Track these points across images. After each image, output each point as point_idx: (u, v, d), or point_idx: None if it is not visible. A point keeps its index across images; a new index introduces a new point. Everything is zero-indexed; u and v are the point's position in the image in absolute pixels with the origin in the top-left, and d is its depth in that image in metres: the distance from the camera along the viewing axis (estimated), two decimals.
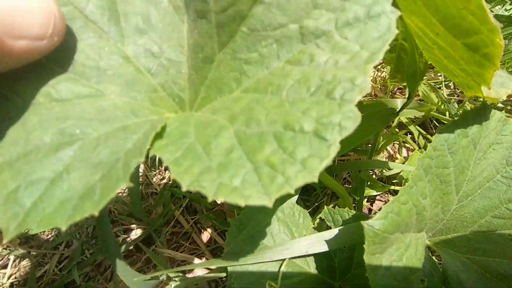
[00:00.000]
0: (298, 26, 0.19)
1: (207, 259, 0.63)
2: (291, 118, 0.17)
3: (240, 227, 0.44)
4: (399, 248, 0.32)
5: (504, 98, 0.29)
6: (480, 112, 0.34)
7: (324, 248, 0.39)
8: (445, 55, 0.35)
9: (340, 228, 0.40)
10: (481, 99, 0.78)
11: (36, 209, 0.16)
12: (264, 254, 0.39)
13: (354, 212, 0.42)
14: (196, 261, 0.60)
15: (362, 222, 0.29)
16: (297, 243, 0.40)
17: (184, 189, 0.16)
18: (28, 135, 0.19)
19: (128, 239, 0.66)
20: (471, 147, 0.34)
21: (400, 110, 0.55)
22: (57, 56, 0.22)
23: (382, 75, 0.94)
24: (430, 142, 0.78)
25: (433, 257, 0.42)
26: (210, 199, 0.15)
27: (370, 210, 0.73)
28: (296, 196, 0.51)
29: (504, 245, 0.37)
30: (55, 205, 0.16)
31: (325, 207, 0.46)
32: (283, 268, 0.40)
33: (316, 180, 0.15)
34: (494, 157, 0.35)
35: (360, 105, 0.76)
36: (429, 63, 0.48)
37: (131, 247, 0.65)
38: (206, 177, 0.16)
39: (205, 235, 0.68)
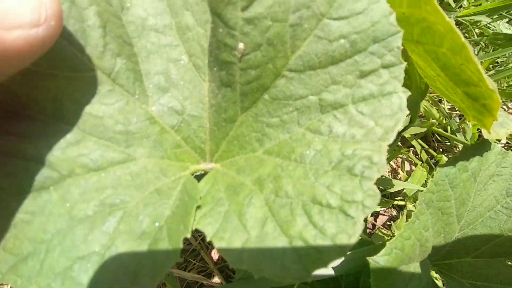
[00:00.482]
0: (317, 98, 0.21)
1: (216, 277, 0.65)
2: (318, 192, 0.19)
3: None
4: (404, 279, 0.34)
5: (504, 138, 0.31)
6: (479, 147, 0.35)
7: (331, 272, 0.40)
8: (446, 90, 0.37)
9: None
10: None
11: (93, 285, 0.17)
12: (272, 280, 0.41)
13: (359, 237, 0.43)
14: (205, 281, 0.62)
15: (368, 258, 0.30)
16: None
17: (230, 265, 0.17)
18: (71, 210, 0.20)
19: None
20: (471, 180, 0.35)
21: (402, 131, 0.56)
22: (89, 123, 0.23)
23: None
24: (432, 156, 0.79)
25: (437, 281, 0.43)
26: (256, 277, 0.16)
27: (374, 225, 0.74)
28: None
29: (505, 271, 0.38)
30: (110, 280, 0.17)
31: None
32: None
33: (343, 258, 0.16)
34: (494, 188, 0.37)
35: None
36: None
37: None
38: (248, 253, 0.17)
39: (214, 253, 0.70)
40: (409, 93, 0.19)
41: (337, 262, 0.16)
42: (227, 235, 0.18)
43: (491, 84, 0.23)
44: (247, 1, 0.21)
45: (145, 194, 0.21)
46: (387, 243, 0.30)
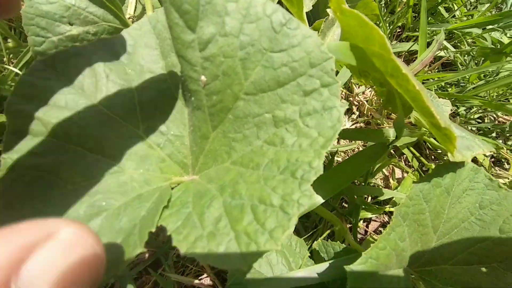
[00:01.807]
0: (271, 115, 0.25)
1: (212, 281, 0.68)
2: (264, 194, 0.22)
3: None
4: (382, 285, 0.37)
5: (469, 160, 0.34)
6: (452, 166, 0.39)
7: (317, 280, 0.44)
8: (423, 120, 0.40)
9: (330, 262, 0.45)
10: None
11: None
12: (264, 286, 0.44)
13: (343, 246, 0.47)
14: (202, 285, 0.66)
15: (345, 266, 0.34)
16: (293, 274, 0.45)
17: (182, 254, 0.21)
18: (67, 209, 0.25)
19: (138, 261, 0.72)
20: (444, 195, 0.38)
21: (390, 144, 0.59)
22: (91, 143, 0.27)
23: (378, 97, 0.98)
24: (423, 164, 0.82)
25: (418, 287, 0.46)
26: (201, 263, 0.20)
27: (366, 231, 0.77)
28: (293, 228, 0.56)
29: (479, 278, 0.41)
30: None
31: (320, 240, 0.50)
32: None
33: (279, 248, 0.19)
34: (468, 201, 0.40)
35: (353, 131, 0.80)
36: None
37: (141, 270, 0.70)
38: (199, 244, 0.21)
39: None
40: (346, 106, 0.23)
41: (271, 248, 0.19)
42: (185, 231, 0.21)
43: (443, 123, 0.27)
44: (203, 44, 0.25)
45: (128, 199, 0.25)
46: (363, 253, 0.34)
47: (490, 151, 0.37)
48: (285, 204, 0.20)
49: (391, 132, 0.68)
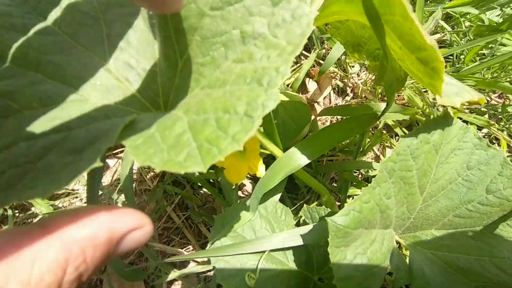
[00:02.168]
0: (239, 31, 0.23)
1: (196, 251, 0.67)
2: (229, 104, 0.21)
3: (224, 223, 0.48)
4: (364, 243, 0.36)
5: (459, 105, 0.32)
6: (441, 121, 0.37)
7: (300, 242, 0.43)
8: (411, 64, 0.39)
9: (314, 224, 0.43)
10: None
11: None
12: (243, 247, 0.43)
13: (329, 210, 0.45)
14: (186, 255, 0.64)
15: (326, 218, 0.32)
16: (275, 237, 0.43)
17: (138, 165, 0.19)
18: (23, 134, 0.23)
19: None
20: (433, 152, 0.37)
21: (380, 115, 0.58)
22: (51, 69, 0.25)
23: (372, 78, 0.97)
24: None
25: (402, 253, 0.45)
26: (157, 170, 0.18)
27: None
28: (279, 194, 0.55)
29: (464, 242, 0.41)
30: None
31: (305, 205, 0.49)
32: (262, 261, 0.43)
33: (241, 148, 0.18)
34: (455, 162, 0.38)
35: (347, 107, 0.78)
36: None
37: None
38: (158, 155, 0.19)
39: (196, 231, 0.72)
40: (317, 13, 0.21)
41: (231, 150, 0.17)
42: (145, 147, 0.20)
43: (429, 41, 0.25)
44: None
45: (89, 126, 0.23)
46: (345, 204, 0.32)
47: (479, 98, 0.35)
48: (250, 109, 0.19)
49: (381, 106, 0.67)
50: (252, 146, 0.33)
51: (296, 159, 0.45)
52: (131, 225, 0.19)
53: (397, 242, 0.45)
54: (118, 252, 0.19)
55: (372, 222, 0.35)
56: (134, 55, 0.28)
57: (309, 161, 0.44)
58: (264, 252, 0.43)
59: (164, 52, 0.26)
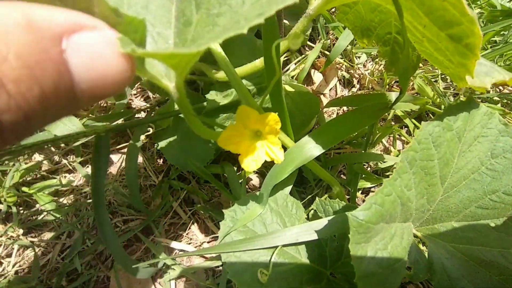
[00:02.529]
0: None
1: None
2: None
3: (234, 217, 0.46)
4: (384, 238, 0.34)
5: (489, 87, 0.30)
6: (465, 106, 0.35)
7: (314, 236, 0.41)
8: (434, 47, 0.36)
9: (329, 218, 0.41)
10: (477, 92, 0.77)
11: None
12: (255, 242, 0.41)
13: (344, 203, 0.43)
14: (193, 250, 0.63)
15: (347, 212, 0.30)
16: (287, 231, 0.41)
17: None
18: None
19: (128, 229, 0.69)
20: (455, 140, 0.35)
21: (393, 104, 0.55)
22: None
23: (379, 68, 0.94)
24: None
25: (420, 246, 0.43)
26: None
27: (364, 201, 0.75)
28: (290, 187, 0.53)
29: (487, 234, 0.38)
30: None
31: (317, 198, 0.47)
32: (274, 256, 0.42)
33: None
34: (479, 150, 0.36)
35: (355, 97, 0.76)
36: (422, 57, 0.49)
37: (131, 237, 0.67)
38: None
39: (203, 226, 0.70)
40: None
41: None
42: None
43: (470, 12, 0.22)
44: None
45: None
46: (366, 198, 0.30)
47: (510, 78, 0.32)
48: None
49: (393, 96, 0.64)
50: (272, 126, 0.30)
51: (308, 149, 0.43)
52: (73, 19, 0.14)
53: (415, 235, 0.42)
54: (73, 72, 0.13)
55: (393, 215, 0.33)
56: (151, 20, 0.26)
57: (322, 151, 0.42)
58: (276, 247, 0.41)
59: (180, 8, 0.25)
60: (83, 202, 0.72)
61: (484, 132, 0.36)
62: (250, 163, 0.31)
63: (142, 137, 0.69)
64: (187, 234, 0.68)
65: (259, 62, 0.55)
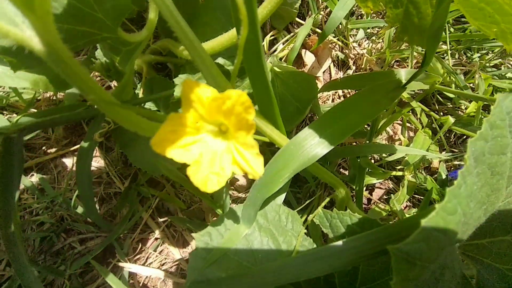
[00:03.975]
0: None
1: (182, 272, 0.52)
2: None
3: (209, 244, 0.32)
4: (435, 271, 0.21)
5: None
6: None
7: (323, 270, 0.27)
8: None
9: (344, 241, 0.28)
10: None
11: None
12: (240, 284, 0.27)
13: (358, 216, 0.30)
14: (164, 275, 0.49)
15: (390, 247, 0.17)
16: (284, 266, 0.28)
17: None
18: None
19: (86, 250, 0.54)
20: None
21: (410, 80, 0.42)
22: None
23: (377, 47, 0.81)
24: (434, 120, 0.67)
25: (465, 270, 0.31)
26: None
27: (369, 200, 0.63)
28: (283, 195, 0.39)
29: None
30: None
31: (321, 210, 0.34)
32: None
33: None
34: None
35: (356, 78, 0.62)
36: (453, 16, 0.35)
37: (93, 259, 0.52)
38: None
39: (180, 240, 0.56)
40: None
41: None
42: None
43: None
44: None
45: None
46: (422, 221, 0.17)
47: None
48: None
49: (402, 74, 0.51)
50: (239, 116, 0.16)
51: (310, 147, 0.29)
52: None
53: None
54: None
55: (452, 240, 0.20)
56: None
57: (329, 149, 0.28)
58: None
59: None
60: None
61: None
62: (208, 180, 0.17)
63: (96, 135, 0.53)
64: (159, 252, 0.54)
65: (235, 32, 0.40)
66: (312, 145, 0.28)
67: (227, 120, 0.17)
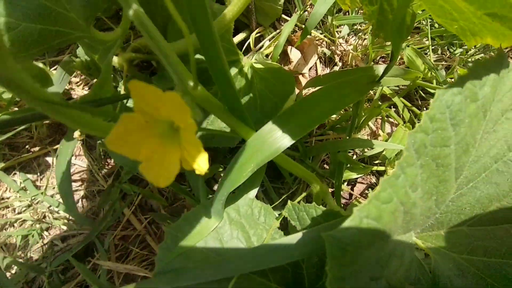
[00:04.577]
0: None
1: None
2: None
3: (178, 236, 0.33)
4: (379, 261, 0.23)
5: None
6: (494, 64, 0.23)
7: (286, 259, 0.29)
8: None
9: (304, 232, 0.30)
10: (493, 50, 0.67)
11: None
12: (203, 272, 0.29)
13: (322, 208, 0.32)
14: (143, 272, 0.50)
15: (323, 234, 0.18)
16: (247, 254, 0.30)
17: None
18: None
19: (68, 247, 0.55)
20: (480, 116, 0.23)
21: (381, 77, 0.44)
22: None
23: (363, 43, 0.82)
24: (416, 116, 0.69)
25: (420, 258, 0.33)
26: None
27: (350, 195, 0.64)
28: (256, 190, 0.40)
29: (509, 242, 0.28)
30: None
31: (289, 202, 0.35)
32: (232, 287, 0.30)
33: None
34: (507, 129, 0.25)
35: (337, 74, 0.63)
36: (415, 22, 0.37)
37: (74, 256, 0.53)
38: None
39: (162, 237, 0.58)
40: None
41: None
42: None
43: None
44: None
45: None
46: (355, 209, 0.18)
47: None
48: None
49: (380, 69, 0.52)
50: (179, 116, 0.18)
51: (274, 140, 0.30)
52: None
53: (415, 245, 0.32)
54: None
55: (392, 229, 0.22)
56: None
57: (292, 142, 0.29)
58: (233, 277, 0.29)
59: None
60: None
61: None
62: (159, 176, 0.19)
63: (77, 133, 0.54)
64: (141, 249, 0.55)
65: (220, 28, 0.41)
66: (276, 138, 0.30)
67: (174, 118, 0.19)
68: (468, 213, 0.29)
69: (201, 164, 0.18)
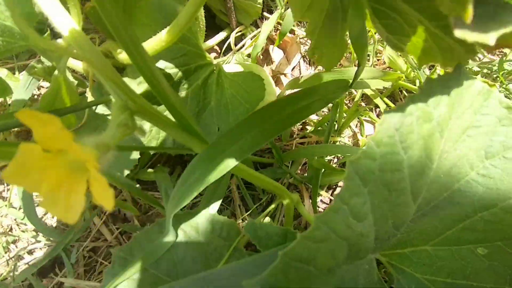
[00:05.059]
0: None
1: None
2: None
3: (127, 259, 0.31)
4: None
5: (492, 43, 0.15)
6: (451, 81, 0.21)
7: (236, 286, 0.27)
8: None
9: (259, 256, 0.28)
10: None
11: None
12: None
13: (277, 228, 0.30)
14: None
15: (245, 282, 0.16)
16: (197, 280, 0.28)
17: None
18: None
19: (34, 261, 0.53)
20: (436, 136, 0.21)
21: (352, 82, 0.41)
22: None
23: (348, 41, 0.79)
24: None
25: (382, 278, 0.31)
26: None
27: (331, 200, 0.63)
28: (218, 204, 0.39)
29: (475, 264, 0.27)
30: None
31: (248, 219, 0.33)
32: None
33: None
34: (468, 147, 0.23)
35: (317, 76, 0.61)
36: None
37: (39, 271, 0.52)
38: None
39: None
40: None
41: None
42: None
43: None
44: None
45: None
46: (280, 253, 0.16)
47: None
48: None
49: (357, 71, 0.50)
50: (62, 143, 0.16)
51: (224, 156, 0.28)
52: None
53: (378, 261, 0.30)
54: None
55: (332, 266, 0.20)
56: None
57: (240, 159, 0.27)
58: None
59: None
60: None
61: (476, 121, 0.22)
62: (66, 212, 0.17)
63: None
64: (111, 262, 0.53)
65: (175, 31, 0.38)
66: (227, 154, 0.28)
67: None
68: (431, 234, 0.28)
69: (106, 202, 0.16)
